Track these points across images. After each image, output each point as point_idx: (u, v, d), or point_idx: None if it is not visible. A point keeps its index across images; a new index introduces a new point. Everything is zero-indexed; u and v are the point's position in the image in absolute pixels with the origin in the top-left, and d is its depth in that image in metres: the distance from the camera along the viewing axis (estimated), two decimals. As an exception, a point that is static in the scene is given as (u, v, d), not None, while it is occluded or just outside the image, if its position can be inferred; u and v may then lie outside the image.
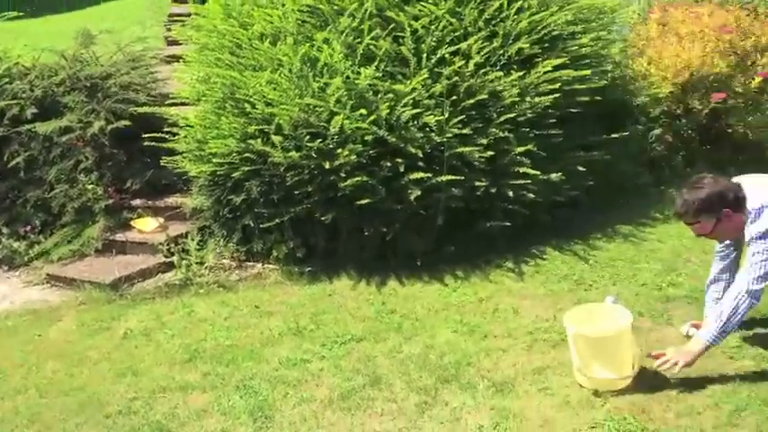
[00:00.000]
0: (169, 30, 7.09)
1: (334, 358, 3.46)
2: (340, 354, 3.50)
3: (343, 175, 4.07)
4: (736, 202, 2.87)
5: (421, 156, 4.04)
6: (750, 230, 2.85)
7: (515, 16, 4.28)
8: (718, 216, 2.88)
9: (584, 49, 4.46)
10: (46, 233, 5.36)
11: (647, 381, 2.93)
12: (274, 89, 4.15)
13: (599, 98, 4.51)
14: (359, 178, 4.05)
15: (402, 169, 4.08)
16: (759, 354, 3.04)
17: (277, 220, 4.35)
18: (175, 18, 7.12)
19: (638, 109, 5.10)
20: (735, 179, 2.98)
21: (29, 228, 5.39)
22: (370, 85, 4.07)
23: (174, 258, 4.70)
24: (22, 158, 5.39)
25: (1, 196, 5.48)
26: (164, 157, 4.84)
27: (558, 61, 4.26)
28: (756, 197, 2.87)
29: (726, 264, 3.21)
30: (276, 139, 4.09)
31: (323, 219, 4.23)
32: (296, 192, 4.25)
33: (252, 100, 4.21)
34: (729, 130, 5.42)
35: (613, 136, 4.69)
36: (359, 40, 4.18)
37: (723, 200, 2.87)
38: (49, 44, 6.04)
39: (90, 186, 5.23)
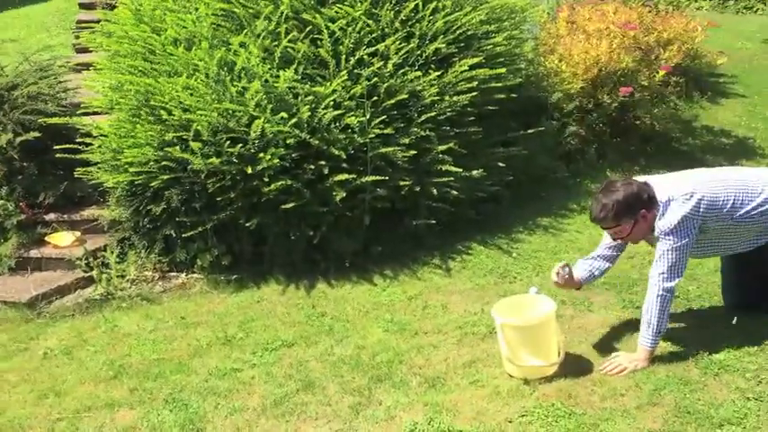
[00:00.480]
0: (77, 37, 6.83)
1: (266, 365, 3.43)
2: (271, 360, 3.47)
3: (266, 179, 4.04)
4: (650, 200, 2.98)
5: (344, 157, 4.05)
6: (659, 225, 2.96)
7: (431, 17, 4.35)
8: (636, 218, 2.99)
9: (498, 47, 4.58)
10: (-46, 253, 5.09)
11: (572, 367, 3.03)
12: (191, 95, 4.07)
13: (515, 95, 4.64)
14: (282, 182, 4.03)
15: (326, 171, 4.08)
16: (674, 335, 3.18)
17: (200, 229, 4.26)
18: (84, 25, 6.85)
19: (552, 105, 5.26)
20: (641, 179, 3.11)
21: (-65, 248, 5.10)
22: (289, 87, 4.06)
23: (94, 273, 4.55)
24: (-76, 176, 5.10)
25: None
26: (78, 169, 4.68)
27: (474, 60, 4.35)
28: (663, 191, 2.98)
29: (610, 252, 3.25)
30: (195, 145, 4.02)
31: (247, 225, 4.18)
32: (218, 198, 4.18)
33: (168, 106, 4.11)
34: (637, 122, 5.67)
35: (529, 131, 4.84)
36: (276, 43, 4.15)
37: (639, 200, 2.96)
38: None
39: (0, 202, 5.00)
